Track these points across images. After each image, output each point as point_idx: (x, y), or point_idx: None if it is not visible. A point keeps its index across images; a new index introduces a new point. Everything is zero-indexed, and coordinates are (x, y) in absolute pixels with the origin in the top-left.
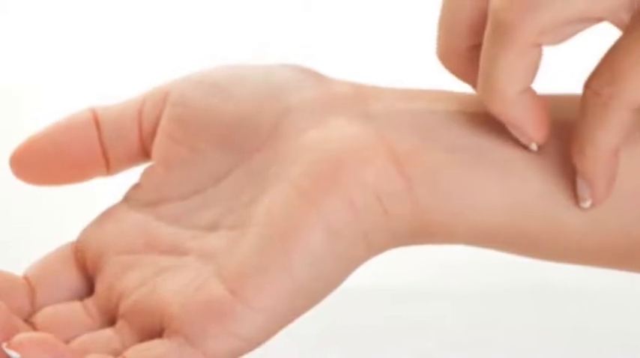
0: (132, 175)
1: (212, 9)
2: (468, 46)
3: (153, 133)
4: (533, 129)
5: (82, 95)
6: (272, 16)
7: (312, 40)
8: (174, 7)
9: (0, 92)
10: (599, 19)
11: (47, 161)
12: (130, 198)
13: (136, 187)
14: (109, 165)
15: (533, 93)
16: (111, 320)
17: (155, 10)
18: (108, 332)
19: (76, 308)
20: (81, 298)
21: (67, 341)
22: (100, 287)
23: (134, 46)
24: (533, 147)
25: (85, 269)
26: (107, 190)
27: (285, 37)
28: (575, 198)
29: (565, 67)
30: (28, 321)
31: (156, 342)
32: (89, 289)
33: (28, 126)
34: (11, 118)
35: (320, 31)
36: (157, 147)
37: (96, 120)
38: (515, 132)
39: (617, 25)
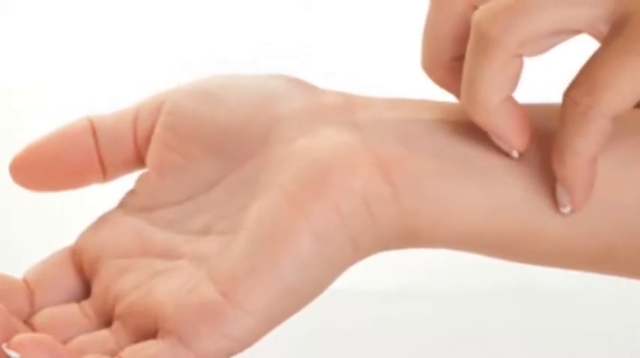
0: (127, 181)
1: (212, 9)
2: (451, 57)
3: (147, 141)
4: (514, 137)
5: (82, 95)
6: (272, 16)
7: (312, 40)
8: (174, 7)
9: (0, 92)
10: (578, 31)
11: (45, 168)
12: (125, 204)
13: (131, 193)
14: (105, 171)
15: (514, 102)
16: (107, 322)
17: (155, 10)
18: (104, 333)
19: (73, 310)
20: (78, 300)
21: (64, 342)
22: (96, 289)
23: (134, 46)
24: (515, 154)
25: (82, 272)
26: (103, 196)
27: (285, 37)
28: (556, 204)
29: (545, 77)
30: (27, 322)
31: (150, 343)
32: (86, 291)
33: (28, 126)
34: (11, 118)
35: (320, 31)
36: (152, 155)
37: (92, 129)
38: (497, 140)
39: (596, 36)
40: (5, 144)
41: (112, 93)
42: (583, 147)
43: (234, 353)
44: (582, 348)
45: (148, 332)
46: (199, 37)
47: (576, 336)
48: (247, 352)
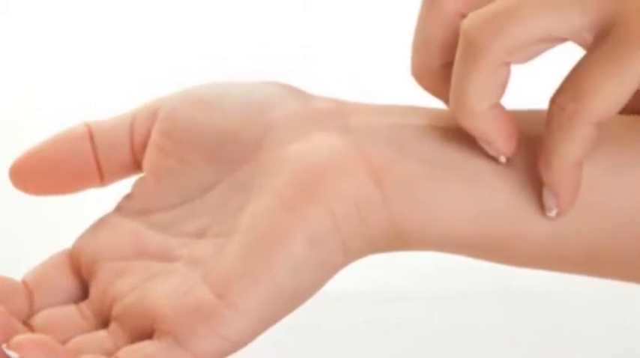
0: (124, 186)
1: (212, 9)
2: (440, 65)
3: (144, 146)
4: (502, 142)
5: (82, 96)
6: (272, 16)
7: (312, 40)
8: (174, 7)
9: (0, 92)
10: (564, 39)
11: (44, 172)
12: (122, 208)
13: (128, 197)
14: (102, 176)
15: (502, 108)
16: (104, 323)
17: (155, 10)
18: (101, 334)
19: (71, 311)
20: (76, 301)
21: (63, 342)
22: (94, 291)
23: (134, 47)
24: (502, 159)
25: (80, 274)
26: (101, 200)
27: (285, 37)
28: (542, 207)
29: (532, 84)
30: (27, 323)
31: (146, 343)
32: (84, 293)
33: (28, 126)
34: (11, 118)
35: (320, 31)
36: (148, 160)
37: (90, 134)
38: (485, 146)
39: (581, 44)
40: (5, 145)
41: (112, 94)
42: (569, 152)
43: (229, 353)
44: (568, 348)
45: (145, 333)
46: (199, 37)
47: (562, 336)
48: (241, 352)
